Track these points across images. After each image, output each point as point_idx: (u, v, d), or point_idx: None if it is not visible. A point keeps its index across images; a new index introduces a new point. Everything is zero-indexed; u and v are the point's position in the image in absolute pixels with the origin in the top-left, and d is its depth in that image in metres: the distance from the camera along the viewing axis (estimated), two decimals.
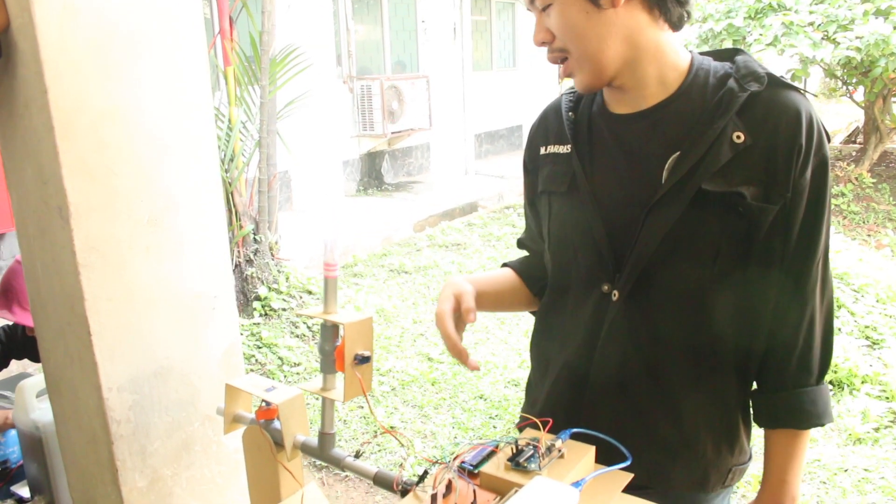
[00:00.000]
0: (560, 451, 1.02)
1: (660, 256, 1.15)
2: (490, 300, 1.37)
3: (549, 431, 1.03)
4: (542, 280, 1.41)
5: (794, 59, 7.93)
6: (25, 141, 1.21)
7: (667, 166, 1.15)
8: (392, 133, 9.64)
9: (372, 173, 10.15)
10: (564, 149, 1.27)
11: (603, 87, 1.22)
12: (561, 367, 1.28)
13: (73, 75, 1.14)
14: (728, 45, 7.64)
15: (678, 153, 1.14)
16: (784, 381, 1.20)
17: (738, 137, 1.12)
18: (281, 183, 5.60)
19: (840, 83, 10.08)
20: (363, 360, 1.11)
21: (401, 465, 3.34)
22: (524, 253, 1.50)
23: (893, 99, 9.20)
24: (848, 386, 3.92)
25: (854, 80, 9.02)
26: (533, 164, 1.37)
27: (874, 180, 8.86)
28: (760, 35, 7.34)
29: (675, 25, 1.17)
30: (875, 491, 3.04)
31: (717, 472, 1.23)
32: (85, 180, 1.18)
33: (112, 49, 1.18)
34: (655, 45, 1.16)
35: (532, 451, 0.99)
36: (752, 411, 1.26)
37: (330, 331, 1.14)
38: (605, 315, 1.20)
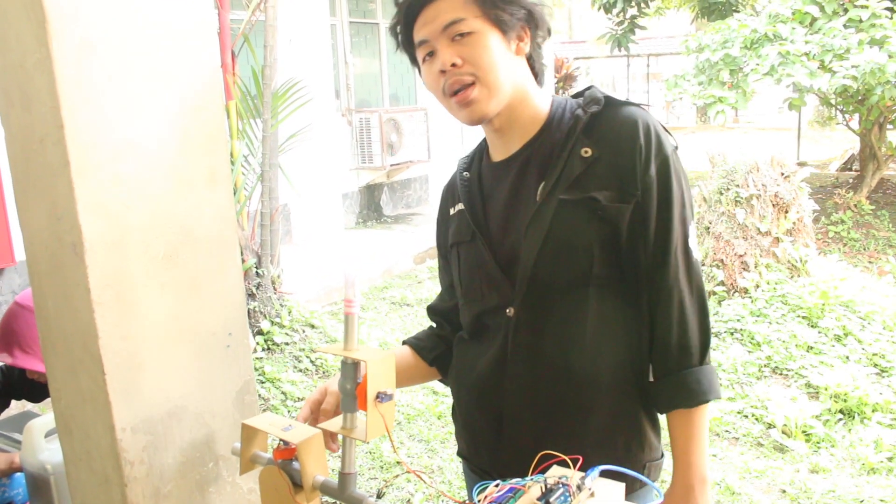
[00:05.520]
0: (590, 489, 0.99)
1: (544, 270, 1.30)
2: None
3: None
4: (435, 350, 1.58)
5: (790, 88, 8.00)
6: (40, 177, 1.19)
7: (538, 191, 1.31)
8: (391, 165, 9.65)
9: (371, 206, 10.15)
10: (463, 206, 1.45)
11: (489, 120, 1.35)
12: (476, 388, 1.42)
13: (90, 110, 1.12)
14: (725, 74, 7.71)
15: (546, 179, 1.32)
16: (669, 366, 1.32)
17: (586, 152, 1.29)
18: (281, 216, 5.59)
19: (836, 111, 10.15)
20: (386, 398, 1.08)
21: (408, 501, 3.29)
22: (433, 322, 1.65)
23: (889, 126, 9.26)
24: (859, 415, 3.89)
25: (850, 108, 9.08)
26: (444, 224, 1.54)
27: (873, 207, 8.89)
28: (757, 65, 7.39)
29: (541, 83, 1.41)
30: None
31: (633, 470, 1.30)
32: (100, 216, 1.16)
33: (130, 83, 1.17)
34: (530, 95, 1.37)
35: (562, 490, 0.97)
36: (650, 400, 1.38)
37: (351, 369, 1.11)
38: (510, 333, 1.34)
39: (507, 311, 1.34)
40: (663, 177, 1.29)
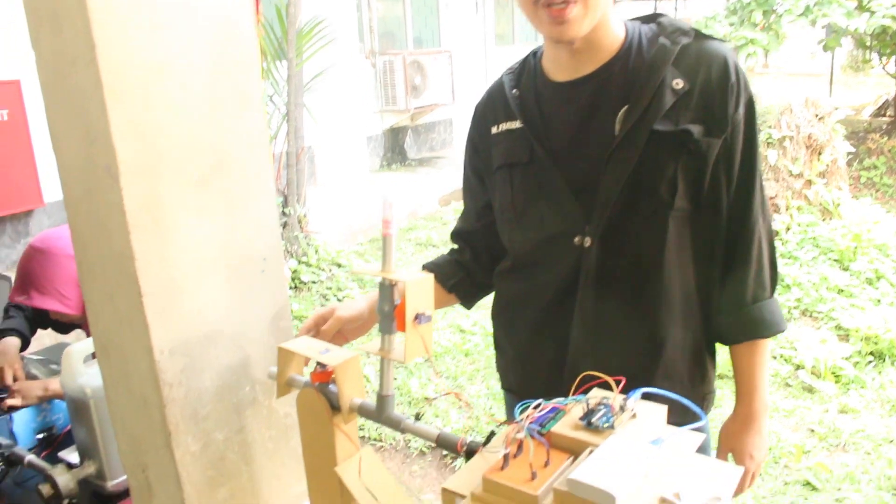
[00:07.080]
0: (632, 410, 0.98)
1: (624, 200, 1.27)
2: None
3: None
4: (454, 277, 1.57)
5: (824, 30, 7.78)
6: (72, 99, 1.17)
7: (618, 118, 1.27)
8: (415, 108, 9.59)
9: (395, 148, 10.11)
10: (516, 124, 1.38)
11: (577, 41, 1.29)
12: (538, 320, 1.40)
13: (121, 31, 1.10)
14: (758, 15, 7.51)
15: (627, 106, 1.27)
16: (745, 299, 1.35)
17: (677, 84, 1.26)
18: (306, 157, 5.57)
19: (872, 54, 9.87)
20: (425, 319, 1.07)
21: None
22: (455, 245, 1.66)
23: None
24: (890, 357, 3.85)
25: (888, 51, 8.81)
26: (484, 144, 1.47)
27: None
28: (792, 5, 7.18)
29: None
30: None
31: (693, 400, 1.30)
32: (134, 139, 1.14)
33: (161, 5, 1.14)
34: (609, 15, 1.31)
35: (605, 411, 0.96)
36: (718, 333, 1.40)
37: (388, 290, 1.10)
38: (581, 263, 1.31)
39: (576, 238, 1.31)
40: (749, 116, 1.30)
